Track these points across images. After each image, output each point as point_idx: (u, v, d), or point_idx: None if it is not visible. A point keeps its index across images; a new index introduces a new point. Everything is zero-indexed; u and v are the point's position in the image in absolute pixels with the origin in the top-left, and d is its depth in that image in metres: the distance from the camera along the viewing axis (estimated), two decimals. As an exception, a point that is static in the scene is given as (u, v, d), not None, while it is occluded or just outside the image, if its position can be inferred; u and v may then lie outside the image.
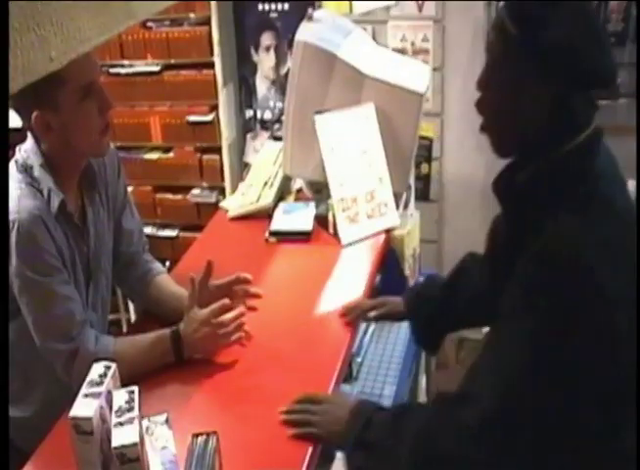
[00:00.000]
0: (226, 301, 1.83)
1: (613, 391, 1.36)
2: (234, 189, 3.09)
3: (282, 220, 2.46)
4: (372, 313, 2.04)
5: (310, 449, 1.55)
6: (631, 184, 3.32)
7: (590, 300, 1.30)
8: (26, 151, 1.79)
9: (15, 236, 1.67)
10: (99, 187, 1.95)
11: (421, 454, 1.44)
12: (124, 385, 1.48)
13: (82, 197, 1.91)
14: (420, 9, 3.71)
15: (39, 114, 1.71)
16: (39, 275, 1.72)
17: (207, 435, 1.44)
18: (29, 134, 1.81)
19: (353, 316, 2.00)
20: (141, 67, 3.92)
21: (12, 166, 1.78)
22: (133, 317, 3.76)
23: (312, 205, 2.53)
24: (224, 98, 3.88)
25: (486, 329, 3.28)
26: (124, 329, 3.53)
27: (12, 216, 1.68)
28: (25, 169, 1.77)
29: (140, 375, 1.70)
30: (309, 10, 2.65)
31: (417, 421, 1.47)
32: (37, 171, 1.77)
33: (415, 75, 2.58)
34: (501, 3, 1.44)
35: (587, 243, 1.32)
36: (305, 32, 2.48)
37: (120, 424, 1.35)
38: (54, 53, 0.84)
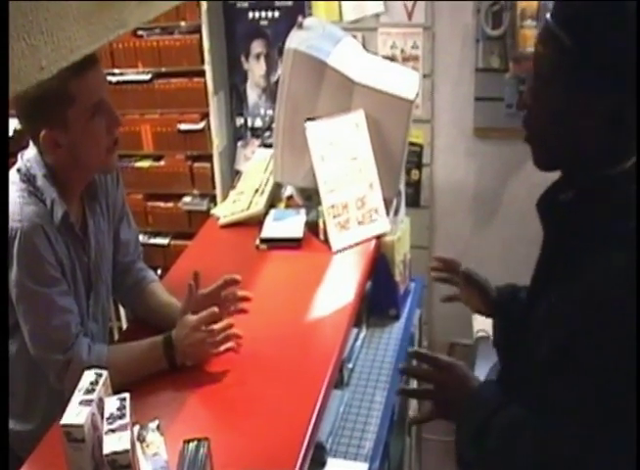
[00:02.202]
0: (215, 309, 1.82)
1: None
2: (225, 197, 3.09)
3: (273, 227, 2.46)
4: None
5: (301, 455, 1.56)
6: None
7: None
8: (29, 160, 1.79)
9: (16, 245, 1.68)
10: (100, 197, 1.96)
11: None
12: (117, 392, 1.48)
13: (84, 207, 1.91)
14: (409, 16, 3.72)
15: (48, 132, 1.72)
16: (39, 285, 1.72)
17: (199, 441, 1.44)
18: (32, 143, 1.81)
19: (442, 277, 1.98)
20: (132, 75, 3.92)
21: (14, 175, 1.78)
22: (125, 325, 3.75)
23: (303, 212, 2.54)
24: (215, 106, 3.89)
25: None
26: (116, 337, 3.52)
27: (14, 225, 1.68)
28: (28, 179, 1.77)
29: (133, 382, 1.71)
30: (299, 18, 2.66)
31: (526, 455, 1.39)
32: (40, 181, 1.77)
33: (405, 82, 2.59)
34: (547, 14, 1.38)
35: (623, 279, 1.27)
36: (295, 40, 2.49)
37: (112, 431, 1.35)
38: (44, 62, 0.85)
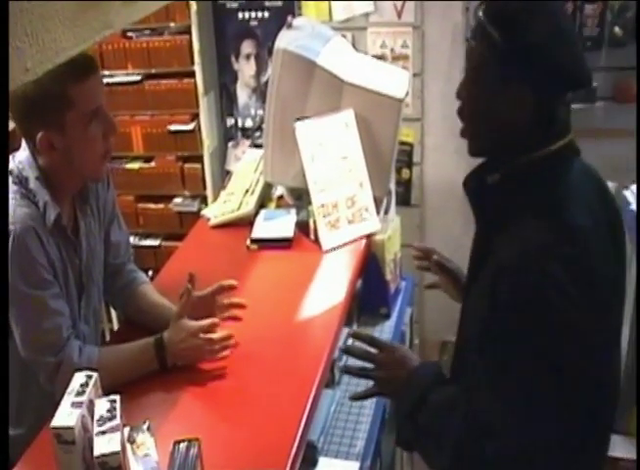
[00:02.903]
0: (216, 321, 1.84)
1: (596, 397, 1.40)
2: (216, 197, 3.09)
3: (263, 227, 2.47)
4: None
5: (293, 455, 1.56)
6: (611, 185, 3.38)
7: (560, 307, 1.32)
8: (21, 162, 1.79)
9: (10, 247, 1.67)
10: (91, 200, 1.96)
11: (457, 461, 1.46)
12: (107, 393, 1.48)
13: (75, 210, 1.91)
14: (399, 15, 3.73)
15: (45, 134, 1.72)
16: (31, 288, 1.72)
17: (189, 441, 1.44)
18: (24, 145, 1.80)
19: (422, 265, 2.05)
20: (122, 76, 3.92)
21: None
22: (116, 326, 3.75)
23: (293, 211, 2.54)
24: (205, 107, 3.89)
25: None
26: (107, 338, 3.52)
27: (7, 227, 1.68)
28: (20, 181, 1.77)
29: (124, 384, 1.71)
30: (289, 18, 2.67)
31: (457, 431, 1.46)
32: (33, 184, 1.77)
33: (394, 81, 2.60)
34: (479, 11, 1.45)
35: (552, 256, 1.33)
36: (285, 40, 2.50)
37: (102, 433, 1.35)
38: (29, 63, 0.85)
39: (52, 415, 1.38)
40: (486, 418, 1.39)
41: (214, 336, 1.82)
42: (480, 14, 1.44)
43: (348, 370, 1.77)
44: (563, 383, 1.34)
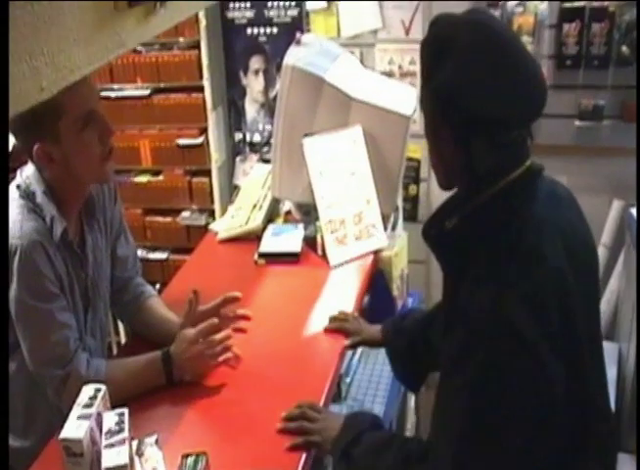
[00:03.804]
0: (215, 320, 1.85)
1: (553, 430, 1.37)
2: (224, 211, 3.11)
3: (271, 242, 2.48)
4: (346, 342, 2.03)
5: (300, 469, 1.57)
6: (616, 204, 3.40)
7: (513, 351, 1.31)
8: (29, 177, 1.80)
9: (16, 262, 1.68)
10: (97, 214, 1.96)
11: None
12: (115, 407, 1.49)
13: (82, 224, 1.92)
14: (407, 32, 3.75)
15: (41, 145, 1.71)
16: (39, 301, 1.73)
17: (197, 455, 1.45)
18: (30, 161, 1.81)
19: (333, 326, 2.06)
20: (131, 90, 3.94)
21: (14, 191, 1.78)
22: (124, 340, 3.76)
23: (301, 227, 2.56)
24: (213, 121, 3.91)
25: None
26: (115, 351, 3.53)
27: (14, 241, 1.68)
28: (28, 195, 1.77)
29: (131, 397, 1.71)
30: (297, 34, 2.69)
31: (392, 463, 1.50)
32: (40, 198, 1.77)
33: (402, 98, 2.61)
34: None
35: (506, 299, 1.31)
36: (293, 56, 2.52)
37: (110, 445, 1.36)
38: (45, 83, 0.87)
39: (60, 427, 1.39)
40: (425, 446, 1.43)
41: (213, 338, 1.83)
42: None
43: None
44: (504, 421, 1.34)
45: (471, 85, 1.33)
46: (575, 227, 1.48)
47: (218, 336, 1.84)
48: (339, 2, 3.73)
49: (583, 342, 1.41)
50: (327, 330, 2.05)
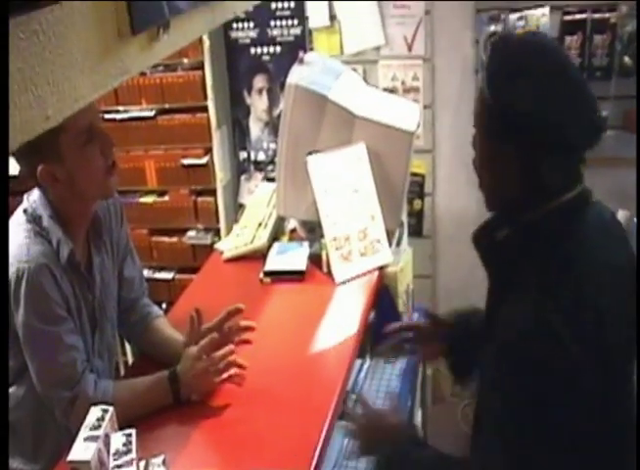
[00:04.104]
0: (215, 335, 1.85)
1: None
2: (229, 230, 3.12)
3: (276, 260, 2.49)
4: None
5: (307, 488, 1.57)
6: (621, 214, 3.40)
7: (558, 367, 1.34)
8: (35, 201, 1.81)
9: (24, 285, 1.69)
10: (104, 235, 1.98)
11: None
12: (122, 427, 1.50)
13: (89, 246, 1.93)
14: (409, 48, 3.78)
15: (44, 166, 1.73)
16: (46, 324, 1.74)
17: (205, 475, 1.46)
18: (36, 184, 1.82)
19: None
20: (136, 112, 3.97)
21: (21, 215, 1.80)
22: (131, 360, 3.76)
23: (306, 244, 2.57)
24: (218, 141, 3.93)
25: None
26: (122, 372, 3.53)
27: (22, 265, 1.69)
28: (34, 219, 1.79)
29: (139, 418, 1.72)
30: (300, 53, 2.71)
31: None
32: (46, 222, 1.79)
33: (405, 114, 2.63)
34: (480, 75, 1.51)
35: (549, 309, 1.34)
36: (296, 75, 2.54)
37: (118, 467, 1.37)
38: (50, 111, 0.88)
39: (68, 449, 1.40)
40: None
41: (215, 354, 1.83)
42: (481, 77, 1.48)
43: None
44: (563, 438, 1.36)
45: (549, 108, 1.37)
46: (621, 257, 1.51)
47: (220, 352, 1.84)
48: (341, 20, 3.76)
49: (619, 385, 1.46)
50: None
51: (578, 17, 3.43)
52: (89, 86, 0.98)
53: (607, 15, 3.40)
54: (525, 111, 1.36)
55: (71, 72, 0.93)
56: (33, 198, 1.83)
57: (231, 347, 1.87)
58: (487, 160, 1.47)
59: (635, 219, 3.05)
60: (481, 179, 1.52)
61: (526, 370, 1.35)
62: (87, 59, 0.97)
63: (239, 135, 4.11)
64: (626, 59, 3.43)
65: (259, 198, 2.95)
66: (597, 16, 3.40)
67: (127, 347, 3.77)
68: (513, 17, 3.48)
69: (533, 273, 1.40)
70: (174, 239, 4.15)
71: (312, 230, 2.59)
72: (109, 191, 1.89)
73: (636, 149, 3.22)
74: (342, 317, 2.23)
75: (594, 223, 1.47)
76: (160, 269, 4.21)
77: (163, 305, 3.29)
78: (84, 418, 1.47)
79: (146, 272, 4.00)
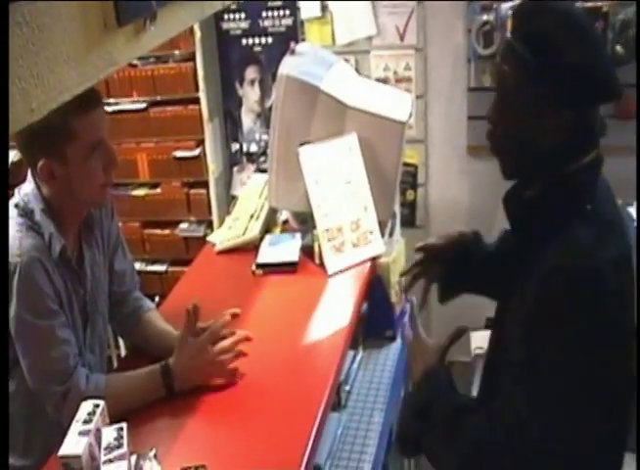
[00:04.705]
0: (218, 324, 1.86)
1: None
2: (222, 222, 3.12)
3: (268, 252, 2.48)
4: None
5: (300, 480, 1.57)
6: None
7: (607, 309, 1.38)
8: (27, 195, 1.81)
9: (16, 279, 1.69)
10: (95, 230, 1.97)
11: (470, 464, 1.49)
12: (115, 421, 1.50)
13: (80, 240, 1.93)
14: (402, 38, 3.77)
15: (46, 162, 1.73)
16: (38, 318, 1.73)
17: (196, 468, 1.46)
18: (30, 177, 1.82)
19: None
20: (127, 104, 3.96)
21: (12, 210, 1.79)
22: (123, 353, 3.76)
23: (298, 236, 2.56)
24: (210, 132, 3.92)
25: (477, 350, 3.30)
26: (115, 365, 3.53)
27: (13, 260, 1.69)
28: (26, 213, 1.78)
29: (131, 411, 1.72)
30: (292, 44, 2.70)
31: (475, 429, 1.49)
32: (38, 216, 1.78)
33: (397, 104, 2.62)
34: (508, 34, 1.49)
35: (601, 257, 1.38)
36: (288, 66, 2.53)
37: (110, 461, 1.37)
38: (34, 104, 0.87)
39: (59, 444, 1.39)
40: (518, 416, 1.40)
41: (225, 343, 1.84)
42: (509, 34, 1.46)
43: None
44: (597, 381, 1.39)
45: (594, 57, 1.40)
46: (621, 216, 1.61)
47: (229, 341, 1.85)
48: (333, 10, 3.75)
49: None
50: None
51: (570, 5, 3.43)
52: (75, 78, 0.97)
53: (599, 3, 3.39)
54: (574, 63, 1.38)
55: (56, 65, 0.92)
56: (25, 191, 1.82)
57: (243, 333, 1.88)
58: (527, 123, 1.45)
59: (628, 208, 3.05)
60: (508, 147, 1.51)
61: (577, 316, 1.36)
62: (72, 51, 0.96)
63: (231, 127, 4.09)
64: (618, 47, 3.43)
65: (252, 189, 2.94)
66: (589, 4, 3.40)
67: (120, 339, 3.77)
68: (505, 6, 3.47)
69: (564, 228, 1.42)
70: (167, 231, 4.15)
71: (304, 221, 2.58)
72: (102, 203, 1.91)
73: (636, 138, 3.22)
74: (335, 309, 2.23)
75: (602, 181, 1.54)
76: (153, 262, 4.20)
77: (156, 298, 3.29)
78: (76, 412, 1.47)
79: (138, 265, 4.00)
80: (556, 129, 1.43)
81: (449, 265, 1.99)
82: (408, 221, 3.80)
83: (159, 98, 3.95)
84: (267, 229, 2.66)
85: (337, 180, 2.47)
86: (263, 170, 3.66)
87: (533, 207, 1.52)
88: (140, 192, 4.11)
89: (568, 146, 1.45)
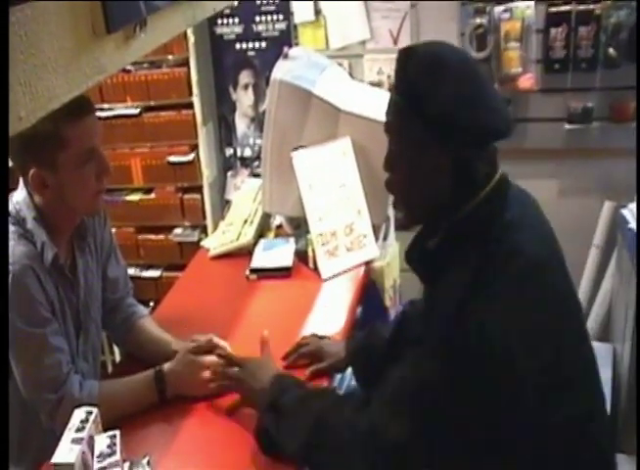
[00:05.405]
0: (209, 340, 1.88)
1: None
2: (216, 227, 3.11)
3: (262, 257, 2.48)
4: (310, 369, 1.96)
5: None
6: (607, 205, 3.41)
7: (481, 354, 1.32)
8: (18, 202, 1.80)
9: (9, 287, 1.68)
10: (88, 237, 1.96)
11: (313, 437, 1.51)
12: (108, 427, 1.49)
13: (73, 248, 1.92)
14: (395, 42, 3.77)
15: (37, 171, 1.72)
16: (31, 326, 1.72)
17: (190, 475, 1.45)
18: (22, 185, 1.81)
19: (291, 361, 1.99)
20: (121, 109, 3.95)
21: None
22: (118, 358, 3.75)
23: (292, 240, 2.56)
24: (204, 137, 3.91)
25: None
26: (109, 370, 3.52)
27: None
28: (18, 221, 1.77)
29: (124, 416, 1.72)
30: (285, 48, 2.70)
31: (321, 405, 1.55)
32: (30, 224, 1.77)
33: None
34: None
35: (477, 302, 1.34)
36: (281, 70, 2.53)
37: (103, 468, 1.36)
38: (23, 112, 0.87)
39: (52, 452, 1.39)
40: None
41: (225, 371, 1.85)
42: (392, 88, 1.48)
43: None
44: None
45: (468, 102, 1.38)
46: (543, 223, 1.54)
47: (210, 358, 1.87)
48: (326, 14, 3.75)
49: (568, 332, 1.47)
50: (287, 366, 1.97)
51: (563, 8, 3.44)
52: (64, 86, 0.96)
53: (591, 6, 3.40)
54: (443, 107, 1.36)
55: (45, 72, 0.92)
56: (17, 199, 1.81)
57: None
58: (414, 171, 1.43)
59: (621, 210, 3.06)
60: (405, 196, 1.49)
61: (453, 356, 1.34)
62: (61, 58, 0.95)
63: (225, 131, 4.09)
64: (611, 50, 3.44)
65: (245, 194, 2.94)
66: (582, 7, 3.41)
67: (114, 345, 3.76)
68: (498, 9, 3.48)
69: (467, 267, 1.39)
70: (161, 237, 4.13)
71: (298, 226, 2.58)
72: (95, 211, 1.90)
73: (636, 140, 3.23)
74: (329, 313, 2.23)
75: (518, 201, 1.50)
76: (147, 267, 4.19)
77: (151, 304, 3.28)
78: (70, 420, 1.46)
79: (133, 271, 3.99)
80: (444, 173, 1.41)
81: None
82: (402, 225, 3.79)
83: (152, 103, 3.93)
84: (261, 234, 2.66)
85: (330, 184, 2.47)
86: (257, 175, 3.65)
87: (435, 257, 1.49)
88: (134, 197, 4.10)
89: (459, 188, 1.42)
